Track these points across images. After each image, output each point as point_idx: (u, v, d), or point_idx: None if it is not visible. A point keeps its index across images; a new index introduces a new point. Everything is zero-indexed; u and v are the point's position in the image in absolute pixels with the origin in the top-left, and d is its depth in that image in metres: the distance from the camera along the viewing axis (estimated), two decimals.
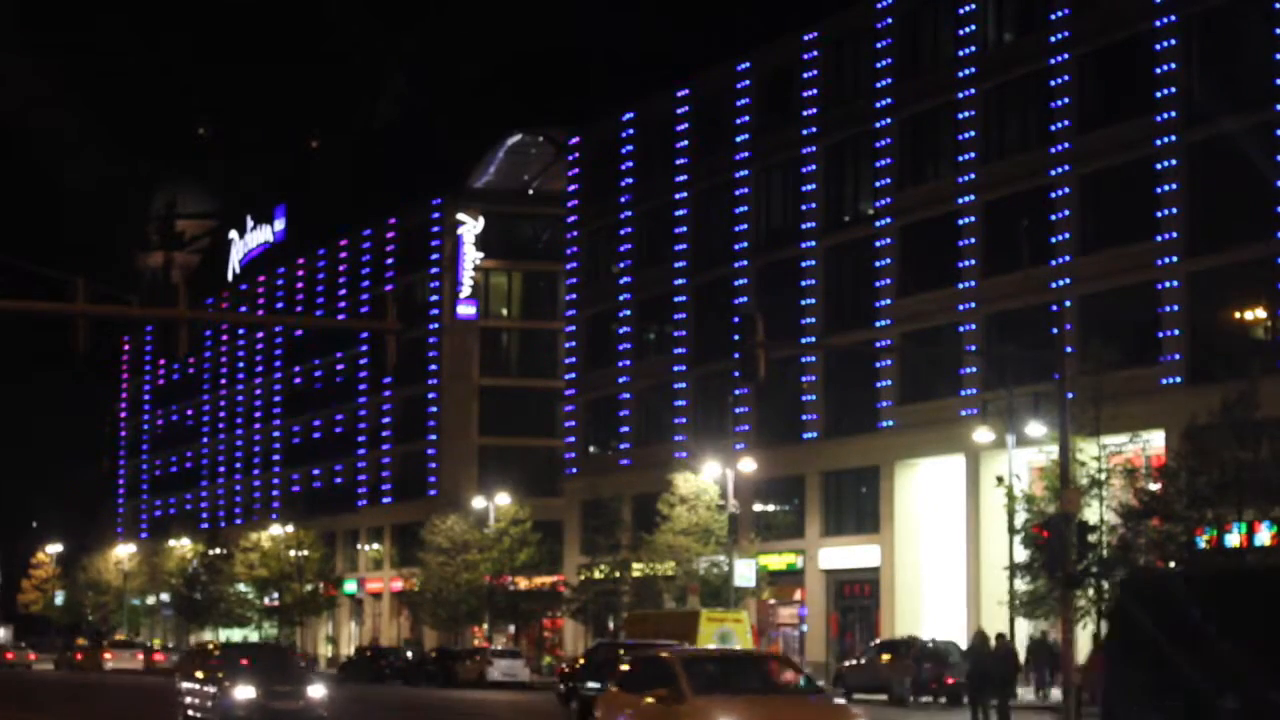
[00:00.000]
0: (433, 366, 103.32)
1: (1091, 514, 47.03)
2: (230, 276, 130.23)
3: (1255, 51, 55.88)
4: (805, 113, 73.86)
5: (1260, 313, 55.28)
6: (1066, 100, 62.09)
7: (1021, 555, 50.88)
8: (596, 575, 76.42)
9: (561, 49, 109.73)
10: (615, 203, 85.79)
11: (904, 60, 69.66)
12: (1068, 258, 61.05)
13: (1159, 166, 58.13)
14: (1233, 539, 46.21)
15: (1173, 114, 57.73)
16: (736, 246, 77.31)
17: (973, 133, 65.97)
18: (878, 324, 69.06)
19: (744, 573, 66.17)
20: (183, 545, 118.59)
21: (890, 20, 70.15)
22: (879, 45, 70.46)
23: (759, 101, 76.92)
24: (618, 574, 74.07)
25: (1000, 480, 52.71)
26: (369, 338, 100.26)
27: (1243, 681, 18.70)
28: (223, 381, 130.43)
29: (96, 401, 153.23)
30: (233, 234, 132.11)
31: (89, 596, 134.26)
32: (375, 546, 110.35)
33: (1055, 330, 45.13)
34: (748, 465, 67.94)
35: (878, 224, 70.10)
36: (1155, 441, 53.00)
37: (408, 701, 58.68)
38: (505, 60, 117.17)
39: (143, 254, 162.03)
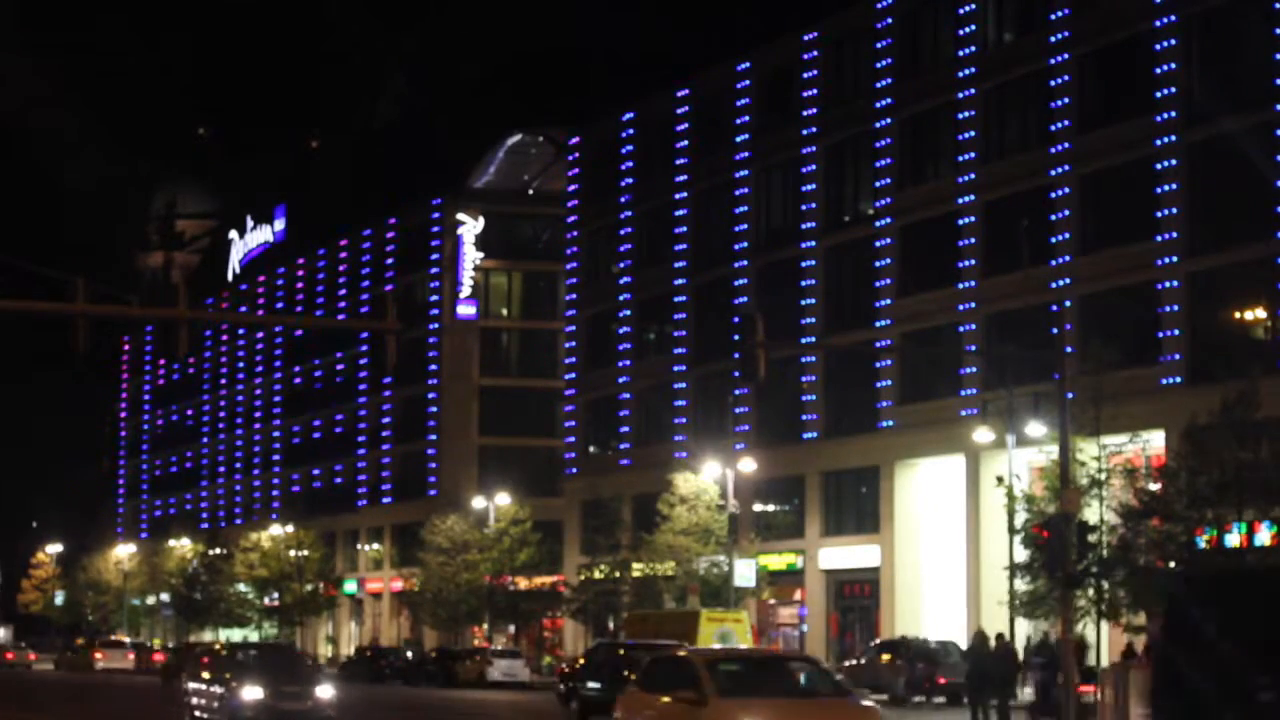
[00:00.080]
0: (433, 366, 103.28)
1: (1091, 514, 46.95)
2: (230, 276, 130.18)
3: (1255, 51, 55.86)
4: (805, 113, 73.83)
5: (1260, 313, 55.30)
6: (1066, 100, 62.06)
7: (1021, 555, 50.74)
8: (596, 575, 76.36)
9: (561, 49, 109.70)
10: (615, 203, 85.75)
11: (904, 60, 69.63)
12: (1068, 258, 61.02)
13: (1159, 166, 58.11)
14: (1233, 539, 46.17)
15: (1173, 114, 57.71)
16: (736, 246, 77.27)
17: (973, 133, 65.94)
18: (878, 324, 69.02)
19: (744, 573, 66.15)
20: (183, 545, 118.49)
21: (890, 20, 70.11)
22: (879, 45, 70.43)
23: (759, 101, 76.88)
24: (618, 574, 74.02)
25: (1000, 480, 52.59)
26: (369, 338, 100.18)
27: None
28: (223, 381, 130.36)
29: (96, 401, 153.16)
30: (233, 234, 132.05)
31: (89, 596, 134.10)
32: (375, 546, 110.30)
33: (1055, 330, 45.01)
34: (748, 465, 67.93)
35: (878, 224, 70.07)
36: (1155, 441, 52.95)
37: (408, 701, 58.62)
38: (505, 60, 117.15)
39: (143, 254, 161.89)
